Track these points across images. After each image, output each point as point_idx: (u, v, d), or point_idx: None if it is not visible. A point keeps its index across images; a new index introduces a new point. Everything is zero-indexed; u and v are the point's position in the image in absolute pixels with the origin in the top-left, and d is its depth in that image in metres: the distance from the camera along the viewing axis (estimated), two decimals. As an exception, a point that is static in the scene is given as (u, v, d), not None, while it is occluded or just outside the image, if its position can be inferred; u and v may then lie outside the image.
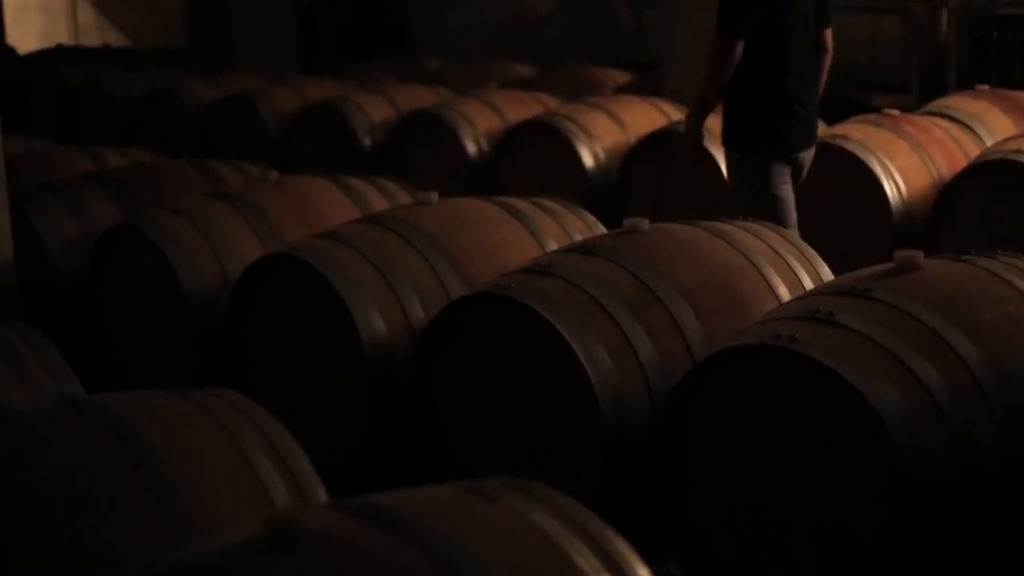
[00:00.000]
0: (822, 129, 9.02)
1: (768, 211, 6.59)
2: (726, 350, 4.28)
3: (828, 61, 7.18)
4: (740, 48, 6.71)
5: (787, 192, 6.90)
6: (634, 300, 4.79)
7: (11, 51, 18.62)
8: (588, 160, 9.27)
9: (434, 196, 5.97)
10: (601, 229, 6.01)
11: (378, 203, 6.51)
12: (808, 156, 7.05)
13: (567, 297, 4.73)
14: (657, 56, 12.85)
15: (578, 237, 5.81)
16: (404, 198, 6.65)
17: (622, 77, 12.60)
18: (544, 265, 4.95)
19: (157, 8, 20.76)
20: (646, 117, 9.74)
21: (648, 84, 11.46)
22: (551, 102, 10.56)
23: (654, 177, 8.94)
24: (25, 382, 4.29)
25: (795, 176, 7.01)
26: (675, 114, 9.86)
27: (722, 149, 7.13)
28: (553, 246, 5.66)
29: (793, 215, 6.87)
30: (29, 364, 4.36)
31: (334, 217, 6.25)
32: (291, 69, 14.80)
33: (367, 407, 5.25)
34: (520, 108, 10.30)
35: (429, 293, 5.37)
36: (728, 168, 7.16)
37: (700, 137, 6.99)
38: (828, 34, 7.13)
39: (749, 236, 5.31)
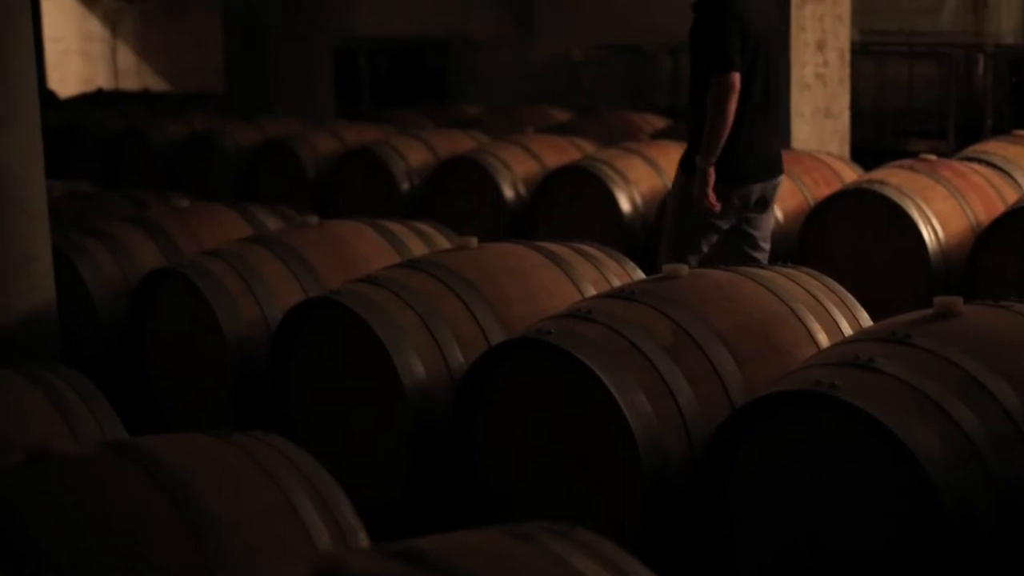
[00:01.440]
0: (860, 175, 9.05)
1: (689, 236, 7.00)
2: (766, 396, 4.29)
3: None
4: (738, 78, 6.91)
5: (717, 226, 7.12)
6: (673, 345, 4.80)
7: (52, 95, 18.78)
8: (625, 205, 9.29)
9: (473, 241, 6.00)
10: (640, 274, 6.03)
11: (417, 248, 6.54)
12: (764, 189, 7.19)
13: (607, 342, 4.75)
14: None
15: (616, 282, 5.83)
16: (443, 243, 6.68)
17: (659, 122, 12.65)
18: (583, 310, 4.96)
19: (196, 53, 20.92)
20: (683, 162, 9.75)
21: (684, 129, 11.46)
22: (588, 147, 10.60)
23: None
24: (69, 425, 4.33)
25: (758, 207, 7.20)
26: (712, 159, 9.88)
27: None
28: (592, 291, 5.68)
29: (705, 250, 7.11)
30: (73, 407, 4.39)
31: (374, 261, 6.29)
32: (329, 114, 14.90)
33: (407, 451, 5.26)
34: (557, 153, 10.35)
35: (468, 338, 5.39)
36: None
37: (711, 180, 6.98)
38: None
39: (788, 282, 5.32)
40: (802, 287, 5.32)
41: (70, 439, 4.24)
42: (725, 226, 7.17)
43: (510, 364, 4.93)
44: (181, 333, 6.39)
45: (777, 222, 8.60)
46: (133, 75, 22.12)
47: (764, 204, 7.24)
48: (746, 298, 5.13)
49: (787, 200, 8.75)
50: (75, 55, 22.68)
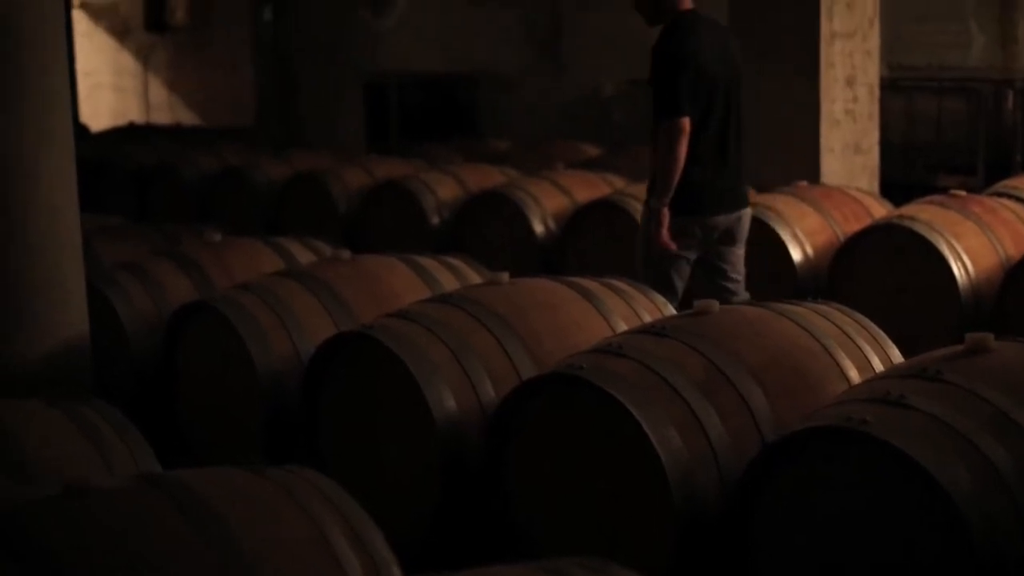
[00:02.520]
0: (890, 211, 9.05)
1: (657, 271, 7.17)
2: (797, 432, 4.30)
3: None
4: (688, 123, 7.12)
5: (685, 258, 7.29)
6: (704, 381, 4.81)
7: (84, 129, 18.90)
8: (655, 240, 9.29)
9: (505, 276, 6.02)
10: (670, 310, 6.05)
11: (448, 282, 6.56)
12: (726, 221, 7.37)
13: (638, 378, 4.76)
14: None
15: (647, 317, 5.85)
16: (474, 277, 6.71)
17: (688, 157, 12.64)
18: (615, 346, 4.98)
19: (227, 87, 21.04)
20: (713, 197, 9.77)
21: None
22: (618, 182, 10.62)
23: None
24: (104, 457, 4.36)
25: (725, 240, 7.39)
26: (742, 194, 9.89)
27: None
28: (623, 327, 5.70)
29: (680, 282, 7.29)
30: (107, 439, 4.43)
31: (405, 296, 6.31)
32: (359, 148, 14.96)
33: (437, 485, 5.28)
34: (587, 188, 10.37)
35: (500, 372, 5.40)
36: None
37: (665, 226, 7.18)
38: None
39: (819, 317, 5.33)
40: (833, 323, 5.33)
41: (104, 471, 4.28)
42: (691, 257, 7.34)
43: (541, 399, 4.95)
44: (213, 366, 6.42)
45: (807, 257, 8.62)
46: (164, 109, 22.25)
47: (731, 237, 7.43)
48: (777, 334, 5.15)
49: (817, 235, 8.77)
50: (107, 89, 22.83)
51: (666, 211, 7.14)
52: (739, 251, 7.50)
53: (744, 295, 7.46)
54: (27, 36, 5.92)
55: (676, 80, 7.12)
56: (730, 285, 7.46)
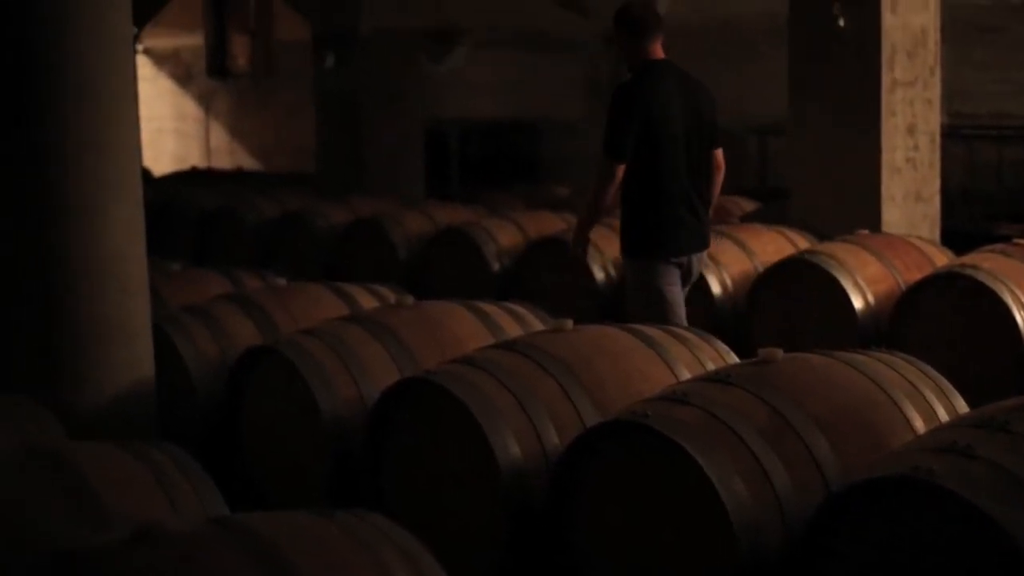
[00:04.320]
0: (951, 259, 9.03)
1: (655, 309, 7.38)
2: (863, 481, 4.29)
3: (720, 177, 7.91)
4: (621, 169, 7.42)
5: (674, 293, 7.53)
6: (769, 430, 4.81)
7: (147, 173, 19.08)
8: (716, 287, 9.31)
9: (568, 323, 6.04)
10: (733, 357, 6.05)
11: (511, 329, 6.58)
12: (697, 260, 7.68)
13: (703, 426, 4.77)
14: (782, 183, 12.91)
15: (710, 365, 5.86)
16: (537, 324, 6.73)
17: (748, 204, 12.66)
18: (679, 394, 4.99)
19: (287, 132, 21.20)
20: (774, 245, 9.79)
21: (774, 212, 11.50)
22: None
23: (781, 305, 8.98)
24: (172, 500, 4.39)
25: (685, 278, 7.65)
26: (802, 243, 9.91)
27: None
28: (686, 374, 5.70)
29: (680, 313, 7.49)
30: (175, 482, 4.46)
31: (469, 342, 6.34)
32: (419, 194, 15.05)
33: (502, 532, 5.29)
34: (647, 235, 10.37)
35: (564, 420, 5.42)
36: (625, 274, 7.91)
37: (584, 246, 7.79)
38: (718, 153, 7.87)
39: (884, 367, 5.32)
40: (897, 372, 5.32)
41: (172, 515, 4.31)
42: (680, 293, 7.58)
43: (606, 447, 4.96)
44: (278, 410, 6.46)
45: (868, 305, 8.60)
46: (225, 154, 22.43)
47: (689, 277, 7.70)
48: (842, 383, 5.15)
49: (878, 284, 8.75)
50: (169, 134, 23.05)
51: (586, 237, 7.73)
52: (686, 289, 7.74)
53: None
54: (97, 86, 6.01)
55: (620, 122, 7.43)
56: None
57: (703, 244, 7.71)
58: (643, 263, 7.54)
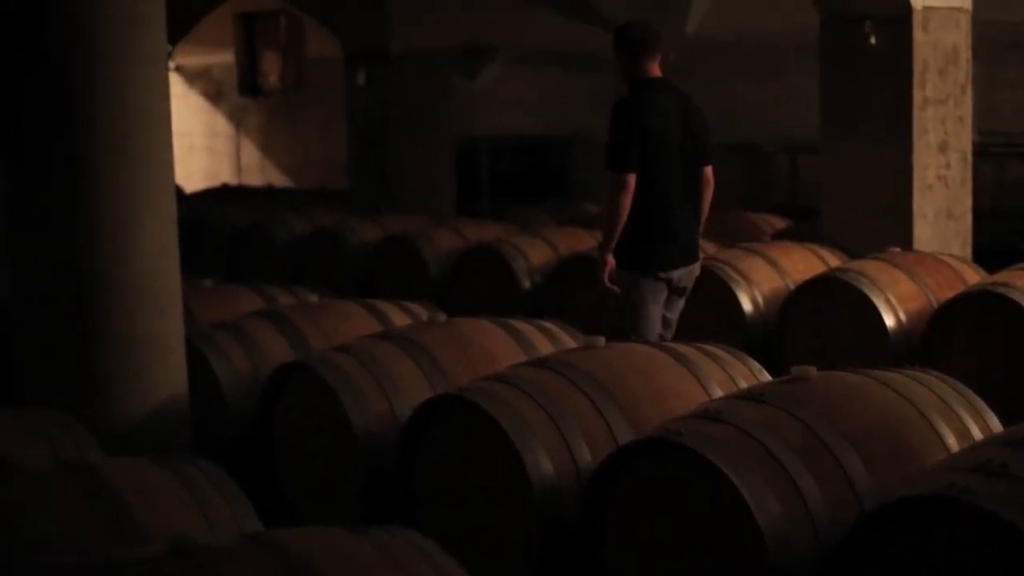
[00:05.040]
0: (983, 277, 9.01)
1: (629, 320, 7.68)
2: (897, 499, 4.29)
3: (709, 193, 8.10)
4: (633, 179, 7.61)
5: (653, 310, 7.79)
6: (802, 447, 4.81)
7: (178, 190, 19.15)
8: (747, 305, 9.31)
9: (601, 340, 6.05)
10: (765, 375, 6.05)
11: (543, 346, 6.59)
12: (686, 274, 7.92)
13: (736, 444, 4.77)
14: (812, 201, 12.89)
15: (743, 383, 5.86)
16: (568, 341, 6.73)
17: (779, 223, 12.66)
18: (712, 411, 4.99)
19: (318, 149, 21.26)
20: (805, 263, 9.78)
21: (805, 230, 11.49)
22: (709, 247, 10.61)
23: (812, 323, 8.97)
24: (206, 515, 4.41)
25: (677, 292, 7.92)
26: (834, 260, 9.89)
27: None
28: (718, 392, 5.71)
29: (653, 331, 7.74)
30: (210, 497, 4.48)
31: (501, 359, 6.34)
32: (450, 211, 15.06)
33: (535, 549, 5.30)
34: (678, 252, 10.37)
35: (596, 437, 5.42)
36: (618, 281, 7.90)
37: (607, 265, 7.77)
38: (708, 170, 8.05)
39: (917, 385, 5.31)
40: (931, 390, 5.31)
41: (207, 530, 4.33)
42: (660, 310, 7.84)
43: (639, 464, 4.96)
44: (310, 426, 6.48)
45: (900, 323, 8.58)
46: (256, 171, 22.50)
47: (682, 289, 7.97)
48: (875, 401, 5.14)
49: (910, 302, 8.74)
50: (200, 151, 23.13)
51: (610, 259, 7.70)
52: (682, 301, 8.02)
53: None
54: (132, 104, 6.05)
55: (623, 136, 7.66)
56: (667, 333, 7.95)
57: (692, 259, 7.95)
58: (629, 275, 7.75)
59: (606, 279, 7.73)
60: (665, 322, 7.94)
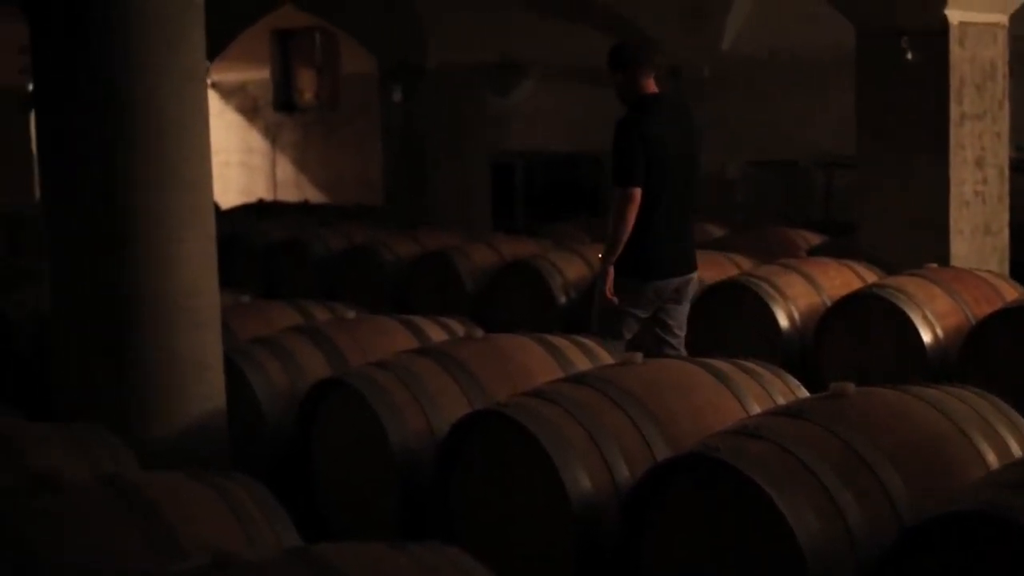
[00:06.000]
0: (1021, 293, 8.98)
1: (607, 318, 8.06)
2: (937, 516, 4.27)
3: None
4: (639, 192, 7.94)
5: (637, 313, 8.13)
6: (842, 464, 4.80)
7: (215, 206, 19.21)
8: (783, 321, 9.29)
9: (638, 356, 6.05)
10: (803, 392, 6.04)
11: (580, 362, 6.60)
12: (676, 283, 8.21)
13: (775, 460, 4.76)
14: (849, 217, 12.87)
15: (780, 399, 5.85)
16: (606, 357, 6.73)
17: (814, 238, 12.63)
18: (751, 427, 4.99)
19: (353, 165, 21.31)
20: (841, 279, 9.76)
21: (842, 245, 11.46)
22: (745, 263, 10.62)
23: (849, 339, 8.94)
24: (245, 530, 4.42)
25: (673, 300, 8.22)
26: (870, 276, 9.86)
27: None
28: (756, 408, 5.70)
29: (627, 332, 8.10)
30: (249, 512, 4.49)
31: (539, 375, 6.36)
32: (486, 227, 15.08)
33: (572, 564, 5.30)
34: (714, 268, 10.36)
35: (634, 453, 5.42)
36: (597, 281, 8.29)
37: (610, 276, 8.05)
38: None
39: (956, 401, 5.30)
40: (970, 407, 5.30)
41: (247, 545, 4.34)
42: (642, 315, 8.18)
43: (678, 480, 4.95)
44: (348, 442, 6.49)
45: (937, 339, 8.55)
46: (291, 187, 22.57)
47: (679, 297, 8.26)
48: (914, 417, 5.13)
49: (947, 318, 8.70)
50: (236, 167, 23.22)
51: (611, 270, 8.02)
52: (683, 309, 8.33)
53: (682, 350, 8.31)
54: (171, 121, 6.09)
55: (629, 153, 7.95)
56: (673, 340, 8.28)
57: (690, 267, 8.28)
58: (622, 281, 8.03)
59: (609, 290, 8.03)
60: (668, 329, 8.26)
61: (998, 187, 10.75)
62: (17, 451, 5.06)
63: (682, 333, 8.34)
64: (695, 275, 8.36)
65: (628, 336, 8.11)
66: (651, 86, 8.20)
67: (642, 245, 8.02)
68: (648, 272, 8.09)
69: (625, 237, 7.98)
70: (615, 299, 8.03)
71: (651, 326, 8.28)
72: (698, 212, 8.57)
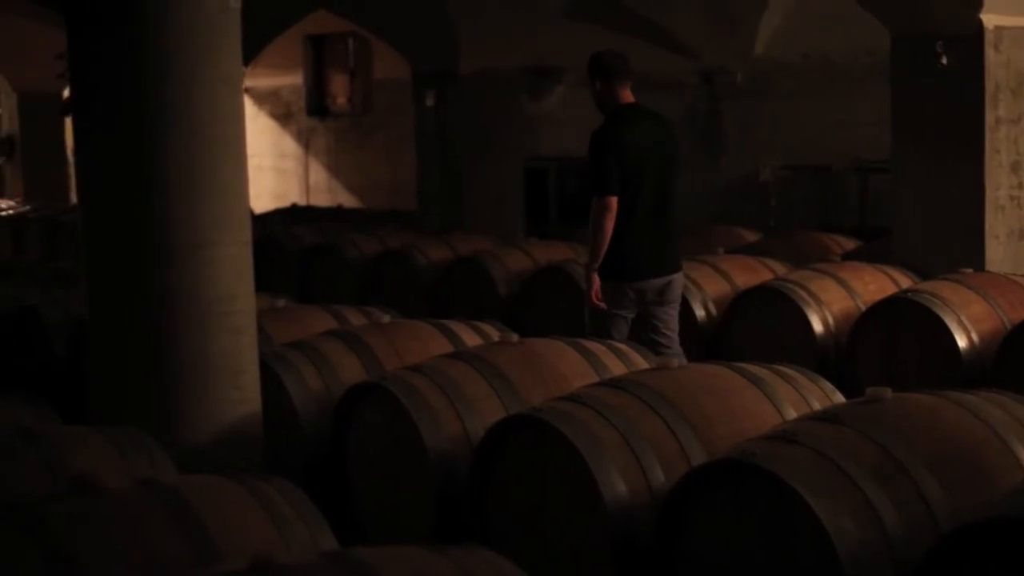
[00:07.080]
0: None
1: (595, 322, 8.40)
2: (975, 521, 4.26)
3: None
4: (615, 201, 8.27)
5: (622, 314, 8.44)
6: (879, 470, 4.79)
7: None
8: (818, 326, 9.27)
9: (674, 361, 6.05)
10: (839, 397, 6.03)
11: (615, 366, 6.60)
12: (657, 285, 8.49)
13: (812, 465, 4.76)
14: (882, 221, 12.83)
15: (816, 404, 5.84)
16: (640, 362, 6.74)
17: (849, 243, 12.60)
18: (788, 432, 4.98)
19: (386, 170, 21.33)
20: (876, 284, 9.73)
21: (876, 250, 11.43)
22: (779, 268, 10.60)
23: (884, 344, 8.92)
24: (282, 534, 4.44)
25: (655, 303, 8.48)
26: (905, 281, 9.84)
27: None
28: (792, 413, 5.69)
29: (616, 333, 8.32)
30: (286, 516, 4.51)
31: (573, 380, 6.36)
32: (518, 231, 15.09)
33: (608, 568, 5.30)
34: (748, 273, 10.36)
35: (670, 458, 5.42)
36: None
37: (595, 283, 8.40)
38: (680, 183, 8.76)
39: (992, 406, 5.28)
40: (1007, 412, 5.27)
41: (284, 548, 4.35)
42: (627, 315, 8.48)
43: (713, 484, 4.95)
44: (383, 445, 6.50)
45: (972, 344, 8.52)
46: (324, 192, 22.61)
47: (662, 298, 8.51)
48: (951, 423, 5.11)
49: (982, 323, 8.67)
50: (269, 171, 23.27)
51: (595, 276, 8.37)
52: (671, 310, 8.58)
53: (678, 350, 8.49)
54: (207, 127, 6.11)
55: (605, 163, 8.29)
56: (662, 339, 8.50)
57: (670, 269, 8.52)
58: (604, 284, 8.38)
59: (595, 295, 8.36)
60: (656, 330, 8.51)
61: (1033, 192, 10.70)
62: (56, 453, 5.08)
63: (673, 333, 8.57)
64: (678, 276, 8.60)
65: (617, 336, 8.27)
66: (627, 96, 8.52)
67: (620, 249, 8.34)
68: (624, 274, 8.40)
69: (604, 244, 8.31)
70: (601, 303, 8.35)
71: (639, 327, 8.53)
72: (680, 219, 8.79)
